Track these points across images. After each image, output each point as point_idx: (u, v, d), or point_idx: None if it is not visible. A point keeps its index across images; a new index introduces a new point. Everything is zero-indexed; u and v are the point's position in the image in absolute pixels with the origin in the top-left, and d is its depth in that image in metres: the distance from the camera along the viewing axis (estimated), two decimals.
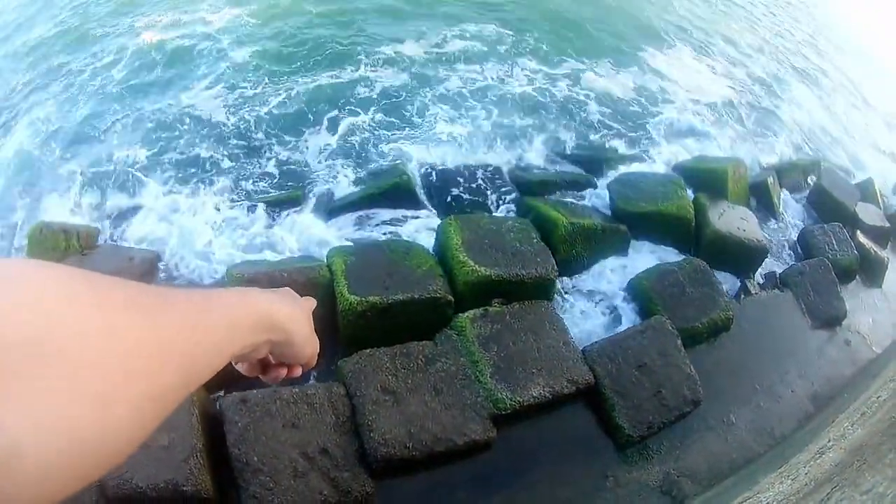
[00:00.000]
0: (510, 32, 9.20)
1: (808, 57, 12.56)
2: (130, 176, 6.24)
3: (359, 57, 8.14)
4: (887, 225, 8.07)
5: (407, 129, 7.07)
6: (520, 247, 5.10)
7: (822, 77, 11.99)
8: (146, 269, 5.10)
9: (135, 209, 5.90)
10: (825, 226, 7.23)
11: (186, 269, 5.32)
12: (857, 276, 7.24)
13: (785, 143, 8.94)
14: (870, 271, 7.40)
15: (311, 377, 4.85)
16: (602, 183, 6.73)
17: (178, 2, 9.54)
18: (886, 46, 14.57)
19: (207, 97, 7.36)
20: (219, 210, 5.86)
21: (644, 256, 6.14)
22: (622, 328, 5.38)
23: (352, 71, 7.86)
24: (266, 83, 7.57)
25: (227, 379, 4.60)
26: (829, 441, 4.90)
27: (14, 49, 8.87)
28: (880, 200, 8.46)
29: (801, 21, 14.39)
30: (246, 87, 7.49)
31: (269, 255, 5.43)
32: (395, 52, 8.32)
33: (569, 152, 7.23)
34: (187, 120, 6.97)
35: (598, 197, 6.60)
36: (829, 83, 11.86)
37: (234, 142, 6.72)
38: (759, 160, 8.26)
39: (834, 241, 7.03)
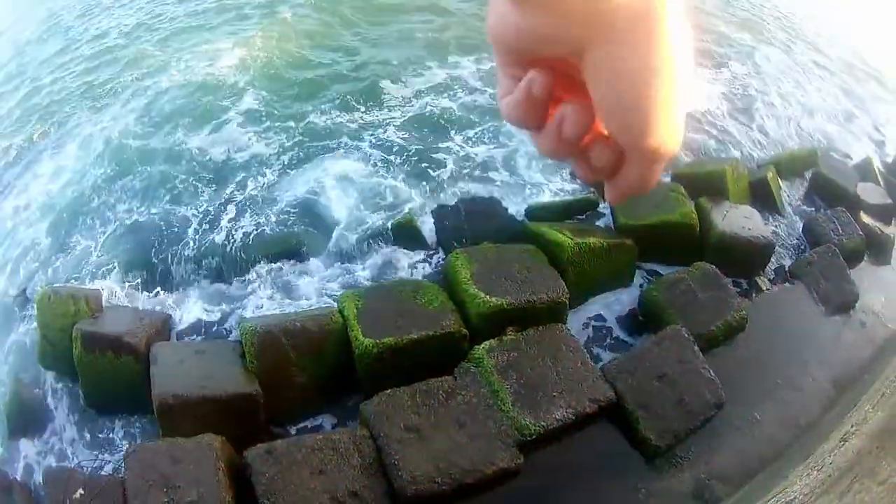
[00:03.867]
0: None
1: (791, 46, 12.55)
2: (139, 236, 6.28)
3: (359, 96, 8.19)
4: (890, 201, 8.05)
5: (405, 164, 7.09)
6: (528, 273, 5.11)
7: (807, 63, 11.98)
8: (158, 328, 5.10)
9: (145, 269, 5.92)
10: (828, 212, 7.23)
11: (199, 325, 5.34)
12: (866, 257, 7.23)
13: (780, 135, 8.93)
14: (878, 250, 7.38)
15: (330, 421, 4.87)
16: (603, 198, 6.69)
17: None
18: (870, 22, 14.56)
19: (215, 140, 7.40)
20: (226, 263, 5.87)
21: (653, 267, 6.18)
22: (638, 341, 5.38)
23: (356, 110, 7.90)
24: (271, 124, 7.62)
25: (251, 431, 4.63)
26: (851, 426, 4.89)
27: (29, 101, 8.99)
28: (880, 178, 8.43)
29: (781, 12, 14.35)
30: (255, 129, 7.54)
31: (280, 306, 5.45)
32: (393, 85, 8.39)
33: (566, 171, 7.19)
34: (195, 167, 7.00)
35: (600, 213, 6.60)
36: (814, 68, 11.86)
37: (238, 190, 6.75)
38: (756, 156, 8.25)
39: (839, 226, 7.02)
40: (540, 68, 0.52)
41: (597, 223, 6.43)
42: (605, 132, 0.53)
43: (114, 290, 5.66)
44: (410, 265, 5.93)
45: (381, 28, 10.05)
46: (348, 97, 8.19)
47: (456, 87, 8.56)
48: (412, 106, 8.09)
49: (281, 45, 9.37)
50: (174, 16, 10.70)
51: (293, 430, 4.74)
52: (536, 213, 6.43)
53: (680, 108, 0.49)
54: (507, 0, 0.49)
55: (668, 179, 6.99)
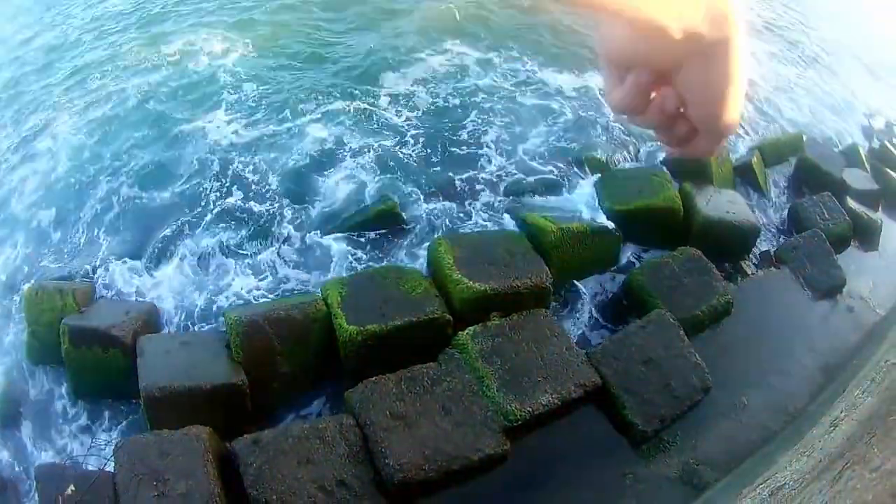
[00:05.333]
0: (486, 46, 9.25)
1: (776, 31, 12.55)
2: (124, 231, 6.28)
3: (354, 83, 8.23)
4: (876, 186, 8.09)
5: (389, 149, 7.09)
6: (511, 258, 5.12)
7: (793, 48, 11.99)
8: (144, 320, 5.11)
9: (130, 260, 5.91)
10: (814, 197, 7.25)
11: (184, 317, 5.34)
12: (853, 242, 7.26)
13: (765, 120, 8.94)
14: (864, 235, 7.41)
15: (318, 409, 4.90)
16: (587, 183, 6.74)
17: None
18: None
19: (203, 134, 7.41)
20: (211, 255, 5.87)
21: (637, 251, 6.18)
22: (623, 326, 5.39)
23: (338, 106, 7.91)
24: (259, 116, 7.66)
25: (238, 421, 4.64)
26: (841, 412, 4.91)
27: (23, 89, 9.04)
28: (866, 163, 8.47)
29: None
30: (244, 124, 7.57)
31: (263, 295, 5.47)
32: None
33: (551, 156, 7.21)
34: (181, 163, 7.00)
35: (584, 198, 6.58)
36: (799, 53, 11.88)
37: (226, 182, 6.73)
38: (741, 141, 8.27)
39: (825, 211, 7.05)
40: (641, 68, 0.71)
41: (581, 208, 6.43)
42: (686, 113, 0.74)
43: (100, 283, 5.68)
44: (393, 251, 5.93)
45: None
46: (341, 84, 8.23)
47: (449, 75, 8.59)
48: (405, 93, 8.12)
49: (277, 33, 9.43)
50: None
51: (280, 420, 4.74)
52: (517, 194, 6.46)
53: (740, 103, 0.70)
54: (628, 34, 0.68)
55: (653, 164, 7.07)
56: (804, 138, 8.37)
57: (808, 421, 5.18)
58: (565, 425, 4.70)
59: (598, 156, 7.15)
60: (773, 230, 7.11)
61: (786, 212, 7.34)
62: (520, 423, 4.42)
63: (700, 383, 4.96)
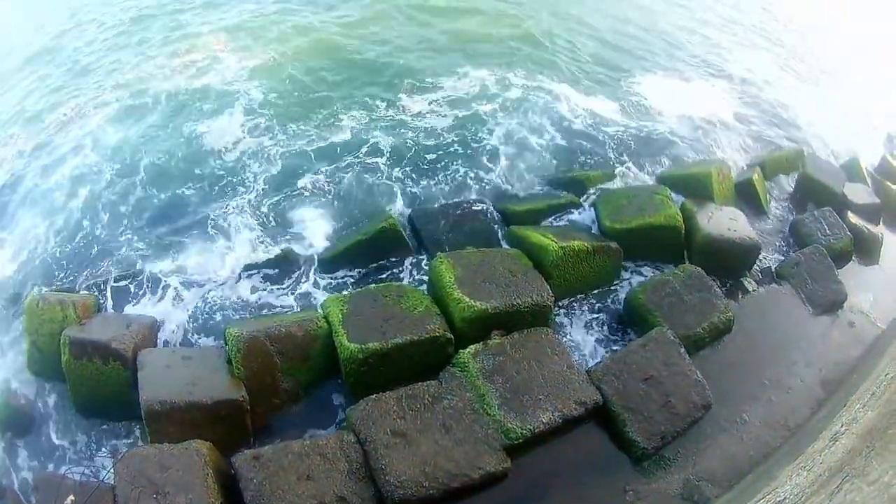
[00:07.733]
0: (493, 67, 9.31)
1: (780, 44, 12.60)
2: (128, 242, 6.30)
3: (339, 112, 8.22)
4: (877, 200, 8.09)
5: (391, 168, 7.09)
6: (512, 277, 5.13)
7: (795, 66, 12.03)
8: (145, 334, 5.11)
9: (133, 276, 5.92)
10: (815, 212, 7.26)
11: (184, 331, 5.34)
12: (854, 257, 7.27)
13: (766, 135, 8.95)
14: (865, 250, 7.42)
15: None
16: (587, 202, 6.76)
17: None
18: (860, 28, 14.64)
19: (217, 140, 7.49)
20: (214, 271, 5.88)
21: (638, 269, 6.20)
22: (624, 344, 5.40)
23: (342, 122, 7.90)
24: (274, 133, 7.70)
25: (238, 437, 4.64)
26: (841, 426, 4.91)
27: (38, 100, 9.08)
28: (867, 178, 8.48)
29: (776, 21, 14.39)
30: (257, 135, 7.61)
31: (264, 310, 5.46)
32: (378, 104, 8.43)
33: (551, 176, 7.25)
34: (190, 176, 7.04)
35: (584, 217, 6.60)
36: (801, 70, 11.93)
37: (234, 195, 6.79)
38: (742, 158, 8.26)
39: (826, 226, 7.06)
40: None
41: (582, 226, 6.45)
42: None
43: (104, 296, 5.69)
44: (394, 269, 5.93)
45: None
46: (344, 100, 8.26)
47: (447, 96, 8.60)
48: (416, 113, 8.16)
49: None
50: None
51: (280, 436, 4.73)
52: (517, 213, 6.43)
53: None
54: None
55: (653, 182, 7.07)
56: (805, 153, 8.39)
57: (808, 436, 5.17)
58: (566, 443, 4.71)
59: (600, 174, 7.16)
60: (774, 246, 7.10)
61: (787, 227, 7.36)
62: (520, 441, 4.43)
63: (700, 400, 4.96)
